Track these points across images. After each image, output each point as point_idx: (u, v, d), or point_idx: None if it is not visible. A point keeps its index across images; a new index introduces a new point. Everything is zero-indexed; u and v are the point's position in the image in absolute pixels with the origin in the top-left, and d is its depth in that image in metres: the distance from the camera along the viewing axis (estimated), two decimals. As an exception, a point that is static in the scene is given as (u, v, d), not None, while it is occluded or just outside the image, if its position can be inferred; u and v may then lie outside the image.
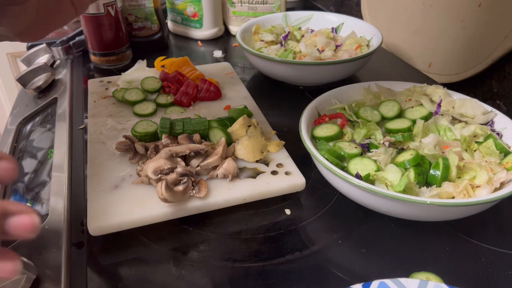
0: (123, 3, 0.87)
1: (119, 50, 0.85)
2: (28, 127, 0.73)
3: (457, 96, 0.58)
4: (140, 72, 0.73)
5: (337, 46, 0.80)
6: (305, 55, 0.76)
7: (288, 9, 1.01)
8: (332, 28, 0.86)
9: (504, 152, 0.49)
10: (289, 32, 0.83)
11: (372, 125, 0.53)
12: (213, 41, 1.01)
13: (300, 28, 0.88)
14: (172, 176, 0.47)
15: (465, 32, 0.75)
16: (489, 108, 0.54)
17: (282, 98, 0.75)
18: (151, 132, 0.57)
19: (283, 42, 0.81)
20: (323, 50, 0.78)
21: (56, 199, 0.52)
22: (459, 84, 0.79)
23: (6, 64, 1.56)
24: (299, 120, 0.53)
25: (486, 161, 0.47)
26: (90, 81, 0.74)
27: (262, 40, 0.83)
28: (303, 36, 0.84)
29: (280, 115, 0.69)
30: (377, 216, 0.49)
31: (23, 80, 0.80)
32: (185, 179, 0.47)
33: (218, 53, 0.93)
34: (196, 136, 0.55)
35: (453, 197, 0.43)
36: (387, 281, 0.34)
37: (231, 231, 0.47)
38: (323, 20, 0.88)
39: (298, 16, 0.90)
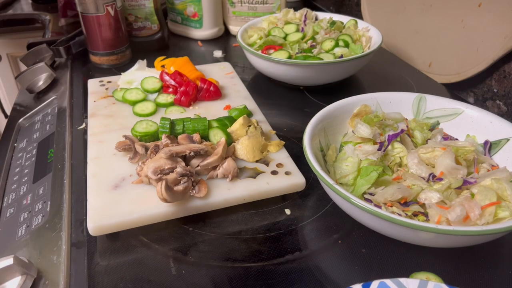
0: (123, 3, 0.87)
1: (119, 50, 0.85)
2: (28, 127, 0.73)
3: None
4: (140, 72, 0.73)
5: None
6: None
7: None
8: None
9: None
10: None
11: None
12: (213, 41, 1.01)
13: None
14: (172, 176, 0.47)
15: (465, 32, 0.75)
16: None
17: (282, 98, 0.75)
18: (151, 132, 0.57)
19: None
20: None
21: (56, 199, 0.52)
22: (459, 84, 0.79)
23: (6, 64, 1.56)
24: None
25: None
26: (90, 81, 0.74)
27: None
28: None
29: (280, 115, 0.69)
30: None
31: (23, 80, 0.80)
32: (185, 179, 0.47)
33: (218, 53, 0.93)
34: (196, 136, 0.55)
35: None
36: (387, 281, 0.34)
37: (231, 231, 0.47)
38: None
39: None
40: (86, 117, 0.66)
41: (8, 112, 0.79)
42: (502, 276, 0.42)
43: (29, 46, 0.91)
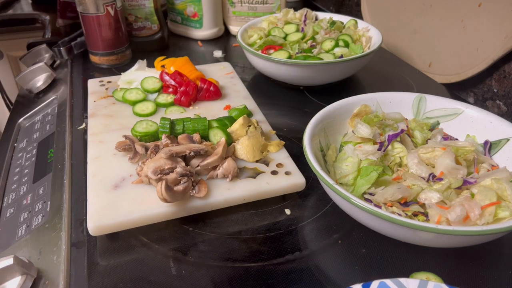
0: (123, 3, 0.87)
1: (119, 50, 0.85)
2: (28, 127, 0.73)
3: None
4: (140, 72, 0.73)
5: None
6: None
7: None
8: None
9: None
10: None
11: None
12: (213, 41, 1.01)
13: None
14: (172, 176, 0.47)
15: (465, 32, 0.75)
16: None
17: (282, 98, 0.75)
18: (151, 132, 0.57)
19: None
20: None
21: (56, 199, 0.52)
22: (459, 84, 0.79)
23: (6, 64, 1.56)
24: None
25: None
26: (90, 81, 0.74)
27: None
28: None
29: (280, 115, 0.69)
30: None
31: (23, 80, 0.80)
32: (185, 179, 0.47)
33: (218, 53, 0.93)
34: (196, 136, 0.55)
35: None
36: (387, 281, 0.34)
37: (231, 231, 0.47)
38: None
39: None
40: (86, 117, 0.66)
41: (8, 112, 0.79)
42: (502, 276, 0.42)
43: (29, 46, 0.91)
